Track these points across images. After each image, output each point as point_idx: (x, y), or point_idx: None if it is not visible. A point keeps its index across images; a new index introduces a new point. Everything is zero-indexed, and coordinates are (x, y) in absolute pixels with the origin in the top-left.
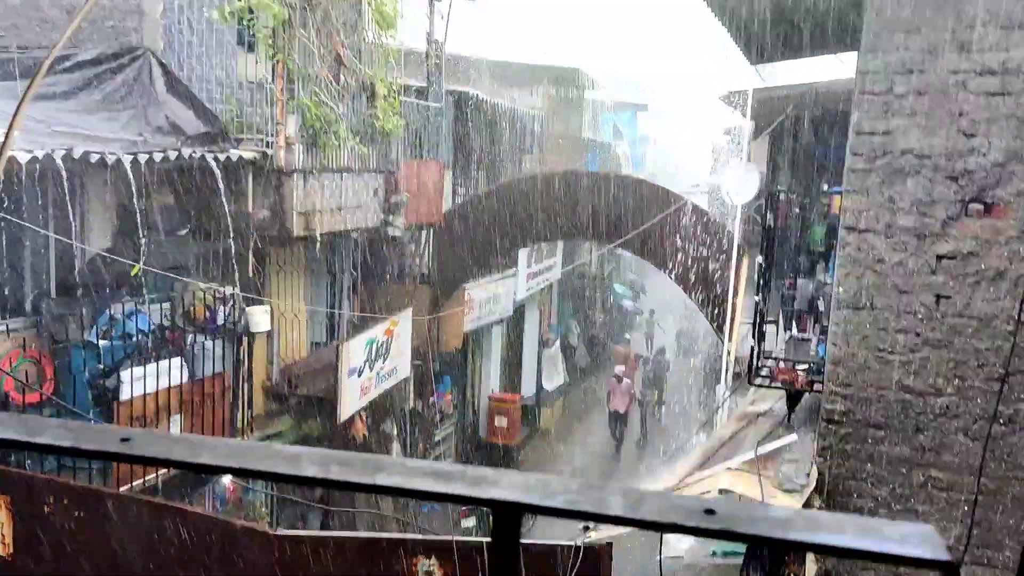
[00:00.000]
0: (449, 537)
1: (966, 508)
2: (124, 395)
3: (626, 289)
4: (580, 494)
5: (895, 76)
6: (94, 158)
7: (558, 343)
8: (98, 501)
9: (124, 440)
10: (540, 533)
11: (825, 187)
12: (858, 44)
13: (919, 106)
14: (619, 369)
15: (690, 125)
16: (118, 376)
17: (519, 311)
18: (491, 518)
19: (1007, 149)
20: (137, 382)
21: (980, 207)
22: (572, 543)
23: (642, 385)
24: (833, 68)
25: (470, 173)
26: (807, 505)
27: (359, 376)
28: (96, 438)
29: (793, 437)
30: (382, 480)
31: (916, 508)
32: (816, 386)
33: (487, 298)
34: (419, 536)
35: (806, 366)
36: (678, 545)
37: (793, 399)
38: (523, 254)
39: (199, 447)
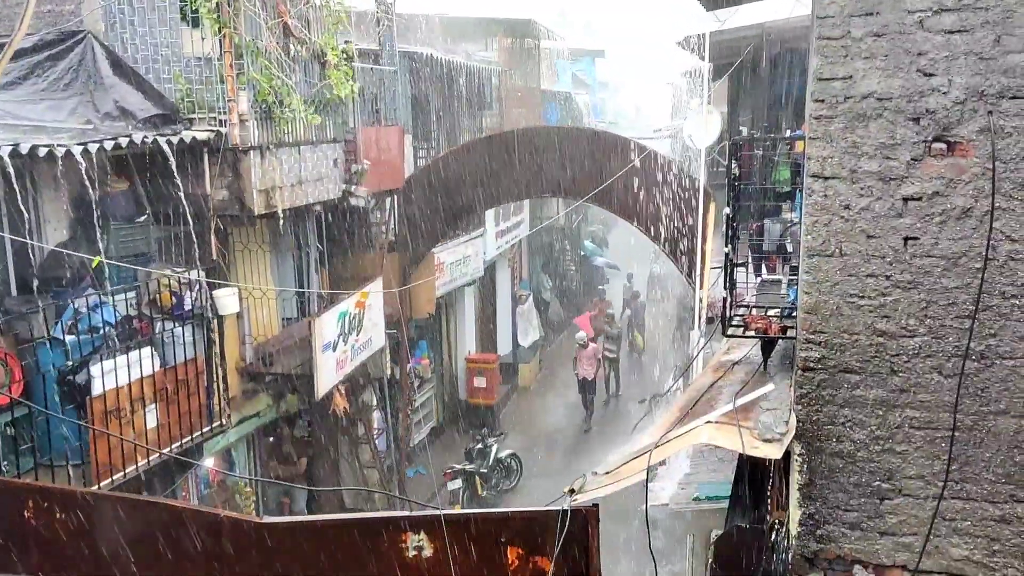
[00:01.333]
0: (437, 511)
1: (944, 445)
2: (96, 390)
3: (596, 247)
4: None
5: (852, 19)
6: (42, 151)
7: (531, 299)
8: (80, 502)
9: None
10: (526, 493)
11: (787, 128)
12: None
13: (877, 48)
14: (581, 335)
15: (648, 69)
16: (88, 371)
17: (490, 270)
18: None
19: (967, 86)
20: (108, 375)
21: (943, 146)
22: (558, 508)
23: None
24: (790, 6)
25: (430, 135)
26: (787, 453)
27: (334, 350)
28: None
29: (770, 387)
30: None
31: (894, 448)
32: (789, 332)
33: (457, 260)
34: (406, 512)
35: (778, 311)
36: (661, 493)
37: (767, 346)
38: (490, 213)
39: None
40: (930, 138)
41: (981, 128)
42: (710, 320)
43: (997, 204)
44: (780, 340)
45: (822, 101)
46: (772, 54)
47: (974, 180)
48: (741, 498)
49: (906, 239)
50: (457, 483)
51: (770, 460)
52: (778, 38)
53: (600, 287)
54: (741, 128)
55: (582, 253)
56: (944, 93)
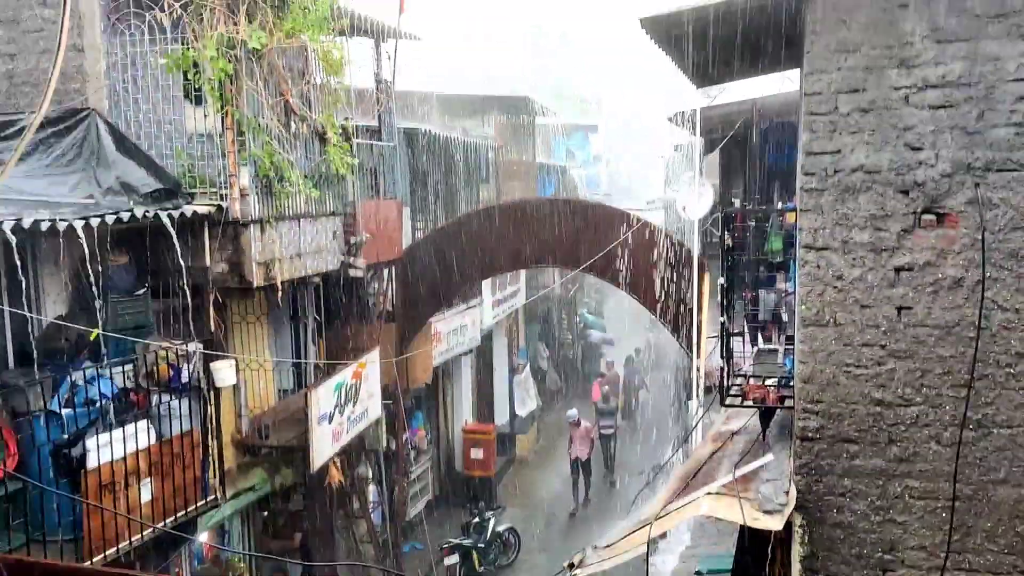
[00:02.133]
0: None
1: (944, 515)
2: (91, 463)
3: (595, 318)
4: None
5: (839, 95)
6: (45, 225)
7: (528, 368)
8: None
9: None
10: (525, 568)
11: (778, 199)
12: (801, 64)
13: (865, 123)
14: (572, 413)
15: (641, 143)
16: (83, 444)
17: (487, 339)
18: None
19: (954, 160)
20: (104, 449)
21: (933, 218)
22: None
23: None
24: (778, 83)
25: (428, 207)
26: (788, 524)
27: (330, 422)
28: None
29: (769, 457)
30: None
31: (895, 518)
32: (787, 401)
33: (454, 329)
34: None
35: (776, 381)
36: (663, 567)
37: (766, 416)
38: (487, 283)
39: None
40: (919, 210)
41: (969, 200)
42: (708, 389)
43: (988, 274)
44: (778, 409)
45: (812, 174)
46: (762, 128)
47: (964, 250)
48: (743, 570)
49: (900, 309)
50: (454, 558)
51: (771, 531)
52: (768, 113)
53: (607, 359)
54: (733, 200)
55: (580, 324)
56: (931, 166)
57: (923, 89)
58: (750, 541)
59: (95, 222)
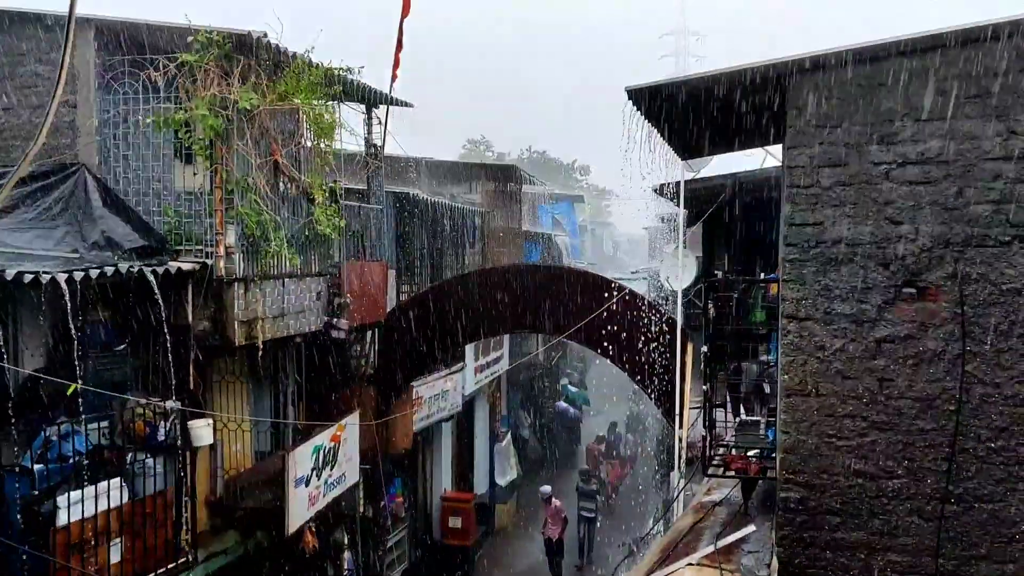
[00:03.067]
0: None
1: None
2: (61, 521)
3: (579, 391)
4: None
5: (821, 169)
6: (28, 278)
7: (509, 436)
8: None
9: None
10: None
11: (761, 272)
12: (783, 138)
13: (846, 197)
14: (545, 489)
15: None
16: (54, 501)
17: (468, 405)
18: None
19: (933, 235)
20: (75, 506)
21: (913, 291)
22: None
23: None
24: (765, 156)
25: (414, 271)
26: None
27: (306, 485)
28: None
29: (751, 528)
30: None
31: None
32: (769, 472)
33: (435, 394)
34: None
35: (758, 452)
36: None
37: (748, 487)
38: (470, 348)
39: None
40: (900, 282)
41: (949, 274)
42: (690, 461)
43: (968, 348)
44: (760, 481)
45: (795, 245)
46: (745, 201)
47: (944, 324)
48: None
49: (881, 380)
50: None
51: None
52: (750, 187)
53: (599, 432)
54: (716, 272)
55: (563, 396)
56: (912, 240)
57: (903, 165)
58: None
59: (79, 276)
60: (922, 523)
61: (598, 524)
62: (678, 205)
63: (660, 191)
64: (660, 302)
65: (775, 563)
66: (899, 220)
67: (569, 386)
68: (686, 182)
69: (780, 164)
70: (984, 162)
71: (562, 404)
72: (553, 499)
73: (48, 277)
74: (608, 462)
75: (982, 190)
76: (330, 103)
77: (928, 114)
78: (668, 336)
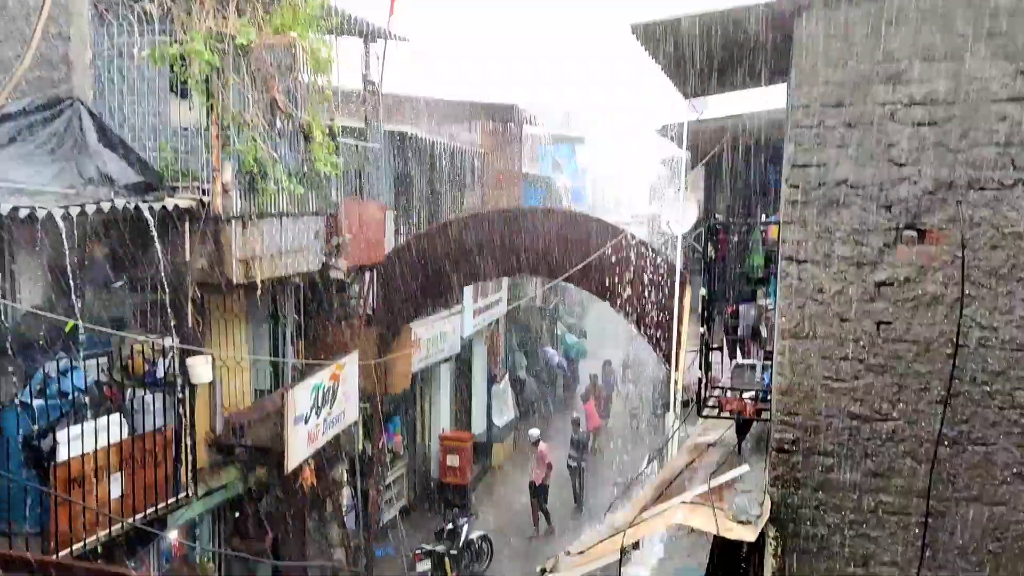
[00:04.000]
0: None
1: (917, 531)
2: (61, 456)
3: (577, 341)
4: None
5: (825, 109)
6: (23, 213)
7: (507, 378)
8: (41, 570)
9: None
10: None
11: (763, 216)
12: (789, 78)
13: (850, 138)
14: (533, 432)
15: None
16: (54, 437)
17: (467, 348)
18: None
19: (936, 177)
20: (75, 442)
21: (914, 234)
22: None
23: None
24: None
25: (412, 212)
26: (762, 535)
27: (306, 423)
28: None
29: (745, 468)
30: None
31: (869, 533)
32: (764, 414)
33: (434, 336)
34: None
35: (753, 394)
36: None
37: (742, 428)
38: (468, 291)
39: None
40: (901, 225)
41: (950, 217)
42: (685, 403)
43: (967, 291)
44: (755, 423)
45: (797, 187)
46: (748, 144)
47: (944, 267)
48: None
49: (879, 323)
50: (426, 564)
51: (744, 543)
52: (754, 128)
53: (592, 373)
54: (717, 216)
55: (560, 345)
56: (914, 183)
57: (908, 106)
58: (723, 552)
59: (75, 211)
60: (915, 465)
61: (585, 475)
62: (680, 147)
63: (664, 132)
64: (660, 246)
65: (767, 502)
66: (902, 162)
67: (567, 335)
68: (689, 123)
69: (784, 106)
70: (990, 103)
71: (549, 350)
72: (540, 443)
73: (44, 212)
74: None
75: (987, 132)
76: (327, 37)
77: (935, 54)
78: (667, 279)
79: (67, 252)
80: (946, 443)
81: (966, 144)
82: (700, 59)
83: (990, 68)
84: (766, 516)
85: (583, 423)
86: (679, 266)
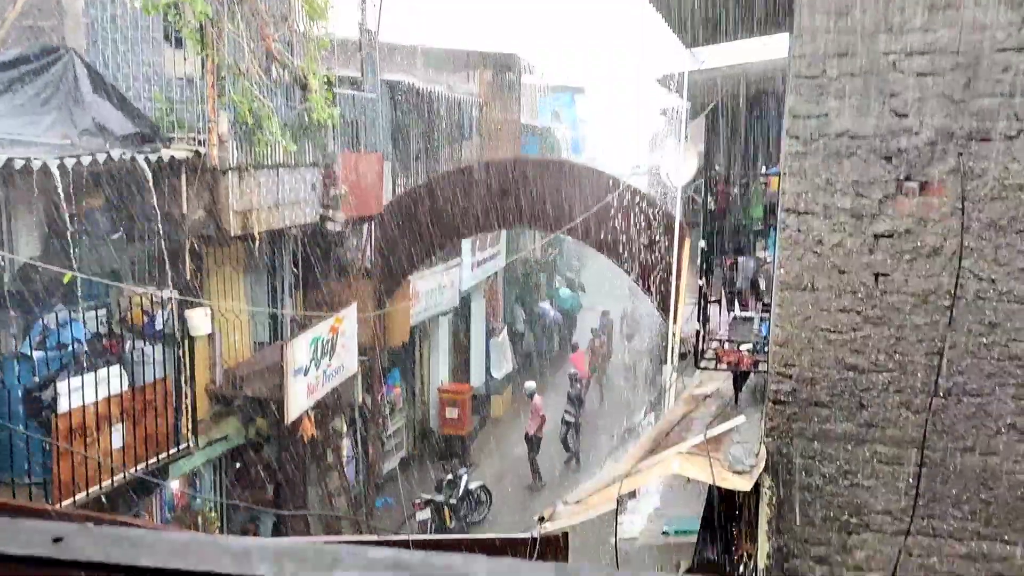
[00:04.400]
0: (404, 536)
1: (911, 481)
2: (62, 407)
3: (572, 295)
4: None
5: (828, 59)
6: (18, 164)
7: (505, 331)
8: (42, 519)
9: (57, 540)
10: (495, 525)
11: (763, 168)
12: (791, 27)
13: (852, 88)
14: (529, 385)
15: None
16: (55, 388)
17: (465, 300)
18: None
19: (938, 128)
20: (75, 393)
21: (914, 186)
22: (529, 535)
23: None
24: (768, 48)
25: (409, 163)
26: (757, 485)
27: (305, 375)
28: (24, 538)
29: (741, 419)
30: None
31: (863, 483)
32: (761, 366)
33: (432, 289)
34: (373, 537)
35: (750, 346)
36: (631, 527)
37: (739, 380)
38: (467, 243)
39: (139, 546)
40: (902, 177)
41: (951, 168)
42: (682, 355)
43: (966, 244)
44: (751, 375)
45: (797, 138)
46: (749, 94)
47: (944, 219)
48: (710, 530)
49: (877, 275)
50: (426, 513)
51: (740, 493)
52: (755, 78)
53: (593, 326)
54: (717, 167)
55: (555, 299)
56: (916, 134)
57: (911, 55)
58: (718, 502)
59: (70, 162)
60: (910, 415)
61: (579, 432)
62: (681, 97)
63: (664, 82)
64: (660, 197)
65: (763, 453)
66: (904, 112)
67: (562, 289)
68: (690, 73)
69: (786, 56)
70: (995, 53)
71: (543, 305)
72: (535, 396)
73: (39, 164)
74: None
75: (991, 82)
76: None
77: (939, 2)
78: (666, 232)
79: (63, 204)
80: (941, 394)
81: (969, 94)
82: (701, 7)
83: (995, 17)
84: (761, 466)
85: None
86: (678, 218)
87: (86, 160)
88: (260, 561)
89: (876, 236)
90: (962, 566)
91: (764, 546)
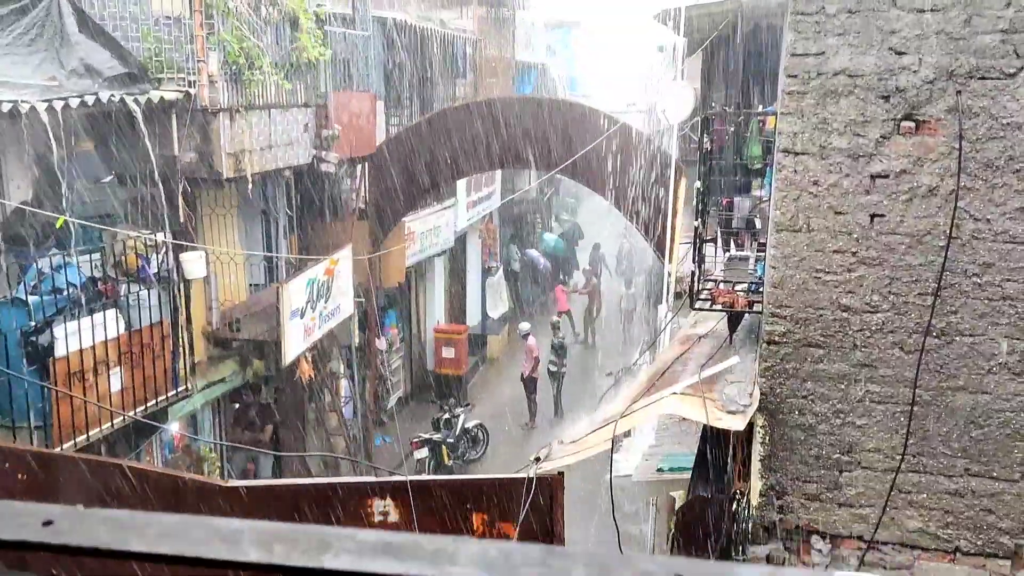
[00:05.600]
0: (402, 477)
1: (902, 419)
2: (59, 351)
3: (558, 240)
4: (543, 565)
5: None
6: (6, 107)
7: (501, 271)
8: (42, 462)
9: (47, 524)
10: (492, 463)
11: (760, 107)
12: None
13: (851, 25)
14: (524, 327)
15: (624, 43)
16: (51, 332)
17: (460, 241)
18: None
19: (937, 66)
20: (72, 337)
21: (912, 125)
22: (525, 475)
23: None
24: None
25: (403, 102)
26: (751, 425)
27: (301, 317)
28: (12, 523)
29: (735, 359)
30: (329, 562)
31: (855, 421)
32: (756, 306)
33: (428, 230)
34: (372, 479)
35: (745, 286)
36: (626, 465)
37: (734, 320)
38: (462, 183)
39: (128, 529)
40: (899, 116)
41: (949, 108)
42: (678, 295)
43: (962, 183)
44: (746, 315)
45: (795, 76)
46: (746, 31)
47: (941, 159)
48: (704, 468)
49: (873, 216)
50: (423, 452)
51: (733, 432)
52: (753, 15)
53: (585, 267)
54: (714, 105)
55: (540, 245)
56: (914, 72)
57: None
58: (712, 441)
59: (59, 105)
60: (903, 355)
61: (563, 381)
62: (678, 33)
63: (660, 18)
64: (655, 135)
65: (757, 393)
66: (903, 50)
67: (545, 234)
68: (687, 8)
69: None
70: None
71: (531, 253)
72: (530, 337)
73: (27, 106)
74: (579, 291)
75: (991, 19)
76: None
77: None
78: (662, 171)
79: (53, 146)
80: (934, 334)
81: (968, 31)
82: None
83: None
84: (755, 406)
85: (563, 327)
86: (674, 157)
87: (74, 102)
88: (250, 545)
89: (872, 176)
90: (951, 502)
91: (757, 484)
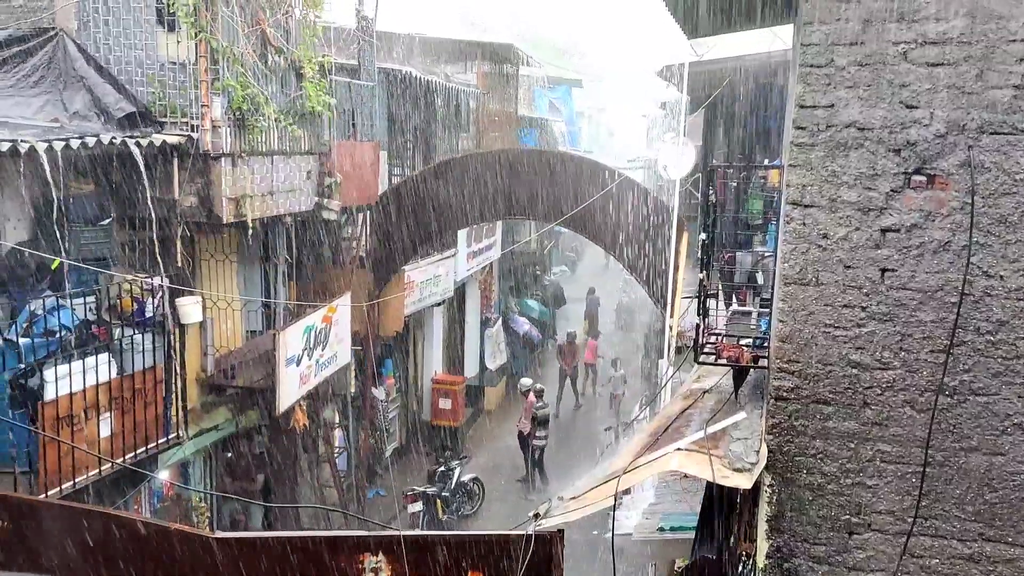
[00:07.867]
0: (396, 531)
1: (915, 480)
2: (49, 395)
3: (540, 306)
4: None
5: (836, 47)
6: (5, 146)
7: (500, 322)
8: (27, 510)
9: None
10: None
11: (765, 161)
12: (796, 17)
13: (861, 78)
14: (524, 382)
15: (626, 100)
16: (41, 375)
17: (460, 291)
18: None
19: (948, 120)
20: (62, 380)
21: (923, 179)
22: (524, 532)
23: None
24: (768, 41)
25: (406, 152)
26: (757, 484)
27: (297, 365)
28: None
29: (741, 415)
30: None
31: (865, 482)
32: (761, 361)
33: (427, 279)
34: (364, 532)
35: (750, 341)
36: (626, 523)
37: (739, 375)
38: (463, 234)
39: None
40: (910, 170)
41: (961, 162)
42: (679, 349)
43: (975, 239)
44: (751, 370)
45: (803, 128)
46: (748, 89)
47: (953, 214)
48: (708, 528)
49: (883, 270)
50: (418, 506)
51: (739, 490)
52: (754, 73)
53: (568, 331)
54: (715, 160)
55: (522, 309)
56: (925, 126)
57: (922, 45)
58: (717, 499)
59: (59, 146)
60: (914, 414)
61: (544, 454)
62: (680, 90)
63: (664, 74)
64: (657, 191)
65: (764, 450)
66: (914, 104)
67: (528, 300)
68: (690, 65)
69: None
70: (1008, 44)
71: (518, 319)
72: (531, 393)
73: (26, 146)
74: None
75: (1003, 74)
76: None
77: None
78: (663, 224)
79: (52, 187)
80: (947, 393)
81: (980, 86)
82: None
83: (1008, 6)
84: (762, 464)
85: (545, 396)
86: (676, 211)
87: (75, 143)
88: None
89: (883, 230)
90: (965, 568)
91: (763, 545)
